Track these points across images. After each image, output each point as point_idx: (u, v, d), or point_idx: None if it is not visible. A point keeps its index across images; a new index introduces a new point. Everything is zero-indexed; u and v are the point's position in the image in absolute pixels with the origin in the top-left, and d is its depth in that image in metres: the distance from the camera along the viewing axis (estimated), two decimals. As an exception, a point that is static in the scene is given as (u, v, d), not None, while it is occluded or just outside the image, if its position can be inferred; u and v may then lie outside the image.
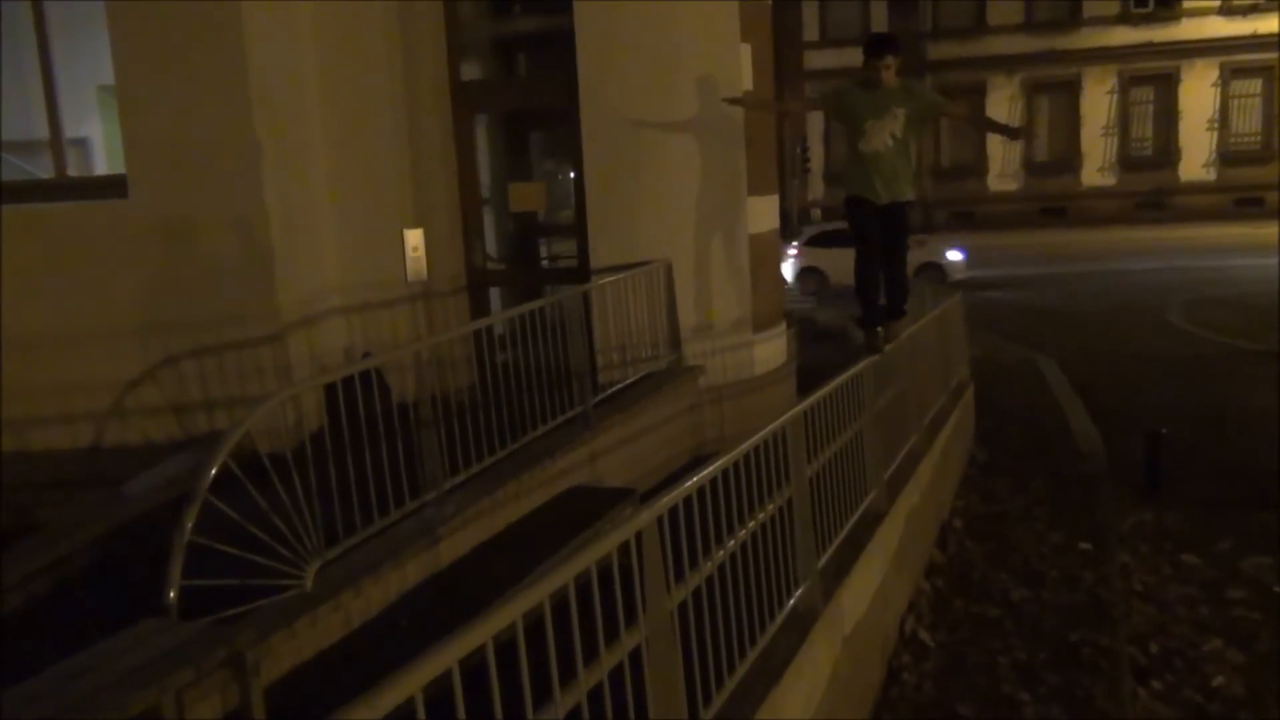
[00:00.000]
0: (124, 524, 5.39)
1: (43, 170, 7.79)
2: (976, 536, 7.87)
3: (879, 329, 6.41)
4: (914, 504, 6.74)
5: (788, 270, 22.69)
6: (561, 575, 2.65)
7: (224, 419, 6.68)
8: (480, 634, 2.29)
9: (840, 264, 21.82)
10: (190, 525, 3.81)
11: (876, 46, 6.16)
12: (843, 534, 5.19)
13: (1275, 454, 9.35)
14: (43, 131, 7.49)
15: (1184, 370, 13.20)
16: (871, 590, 5.53)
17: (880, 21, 33.22)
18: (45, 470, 6.44)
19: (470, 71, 8.57)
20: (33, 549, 5.05)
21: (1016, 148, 32.99)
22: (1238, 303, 17.50)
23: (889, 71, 6.09)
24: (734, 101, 6.97)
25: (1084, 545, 7.63)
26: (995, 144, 33.12)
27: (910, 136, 6.25)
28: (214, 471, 3.93)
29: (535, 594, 2.53)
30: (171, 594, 3.72)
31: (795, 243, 22.84)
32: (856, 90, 6.30)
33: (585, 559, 2.77)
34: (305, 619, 4.19)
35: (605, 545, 2.90)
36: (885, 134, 6.14)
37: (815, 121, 33.95)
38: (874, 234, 6.33)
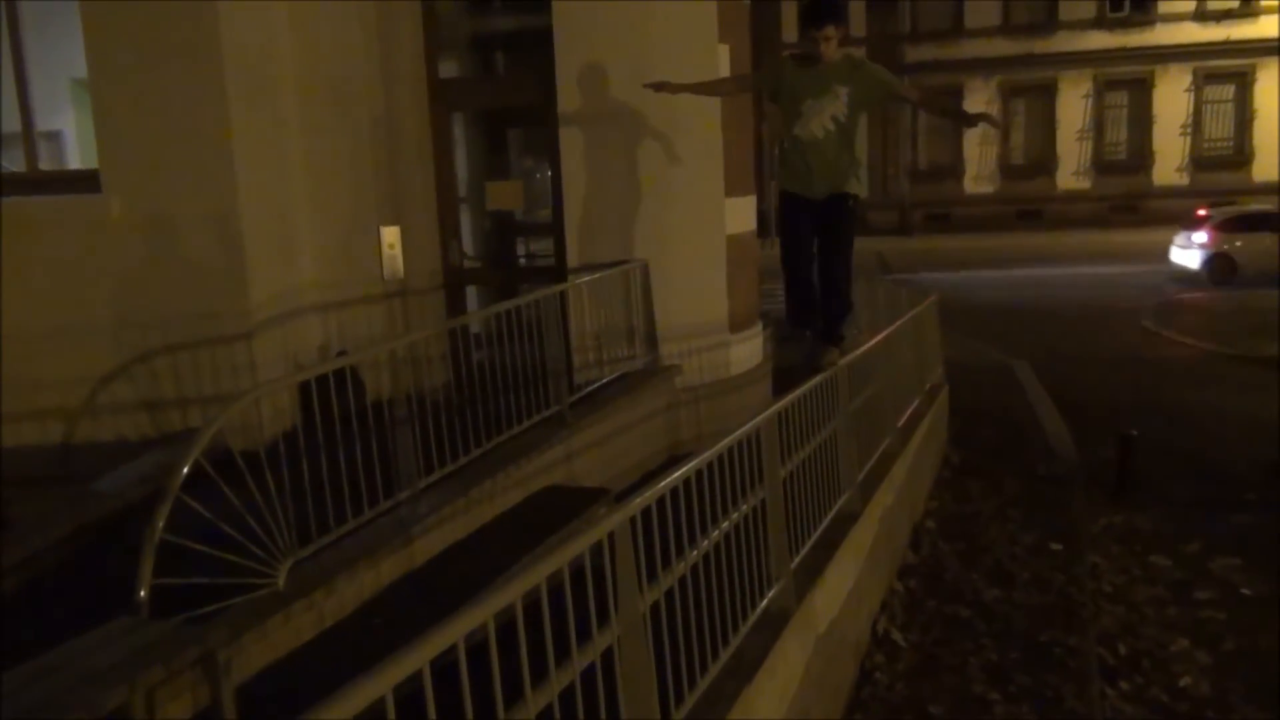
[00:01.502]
0: (95, 521, 5.36)
1: (14, 164, 7.72)
2: (949, 537, 7.93)
3: (806, 333, 5.84)
4: (888, 505, 6.78)
5: (1194, 257, 20.66)
6: (534, 575, 2.66)
7: (197, 416, 6.64)
8: (452, 634, 2.29)
9: (1256, 251, 19.89)
10: (162, 524, 3.79)
11: (815, 15, 5.30)
12: (816, 534, 5.22)
13: (1245, 457, 9.48)
14: (14, 125, 7.43)
15: (1157, 373, 13.34)
16: (844, 591, 5.56)
17: (859, 22, 33.32)
18: (16, 467, 6.38)
19: (448, 69, 8.56)
20: (3, 547, 5.01)
21: (992, 150, 33.20)
22: (1211, 307, 17.69)
23: (830, 44, 5.30)
24: (659, 86, 6.15)
25: (1055, 546, 7.69)
26: (972, 146, 33.33)
27: (856, 122, 5.46)
28: (186, 470, 3.91)
29: (507, 594, 2.53)
30: (143, 592, 3.71)
31: (1204, 227, 20.65)
32: (794, 66, 5.53)
33: (558, 559, 2.78)
34: (278, 618, 4.18)
35: (577, 545, 2.90)
36: (825, 116, 5.38)
37: (794, 122, 34.03)
38: (806, 233, 5.64)
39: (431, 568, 5.05)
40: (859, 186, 5.57)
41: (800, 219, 5.60)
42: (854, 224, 5.64)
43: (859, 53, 32.99)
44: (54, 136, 8.64)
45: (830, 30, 5.24)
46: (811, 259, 5.65)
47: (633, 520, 3.16)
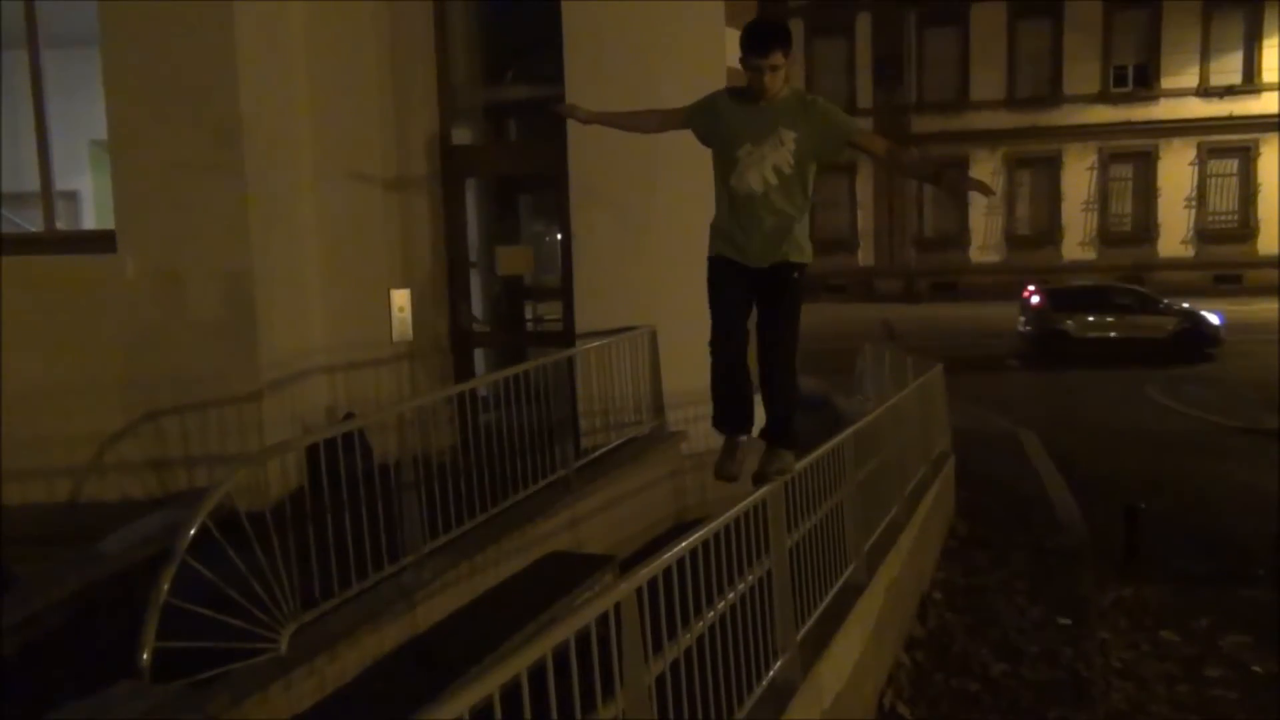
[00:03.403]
0: (99, 582, 5.34)
1: (32, 223, 7.81)
2: (956, 609, 7.85)
3: (739, 438, 4.57)
4: (894, 576, 6.73)
5: None
6: (539, 647, 2.64)
7: (203, 476, 6.64)
8: (457, 706, 2.28)
9: None
10: (167, 586, 3.78)
11: (759, 39, 4.14)
12: (822, 606, 5.18)
13: (1252, 530, 9.41)
14: (33, 184, 7.53)
15: (1163, 444, 13.29)
16: (851, 663, 5.50)
17: (866, 93, 33.79)
18: (21, 525, 6.36)
19: (461, 136, 8.69)
20: (6, 606, 4.98)
21: (998, 220, 33.41)
22: (1217, 379, 17.68)
23: (777, 76, 4.15)
24: (568, 113, 5.16)
25: (1063, 620, 7.61)
26: (978, 215, 33.55)
27: (804, 175, 4.30)
28: (192, 532, 3.91)
29: (513, 666, 2.52)
30: (145, 656, 3.69)
31: None
32: (730, 102, 4.38)
33: (564, 630, 2.76)
34: (279, 683, 4.15)
35: (584, 616, 2.89)
36: (767, 166, 4.24)
37: (801, 189, 34.29)
38: (740, 310, 4.44)
39: (435, 634, 5.02)
40: (804, 253, 4.41)
41: (733, 291, 4.44)
42: (800, 299, 4.45)
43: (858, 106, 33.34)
44: (71, 196, 8.76)
45: (778, 58, 4.12)
46: (745, 342, 4.50)
47: (639, 590, 3.15)
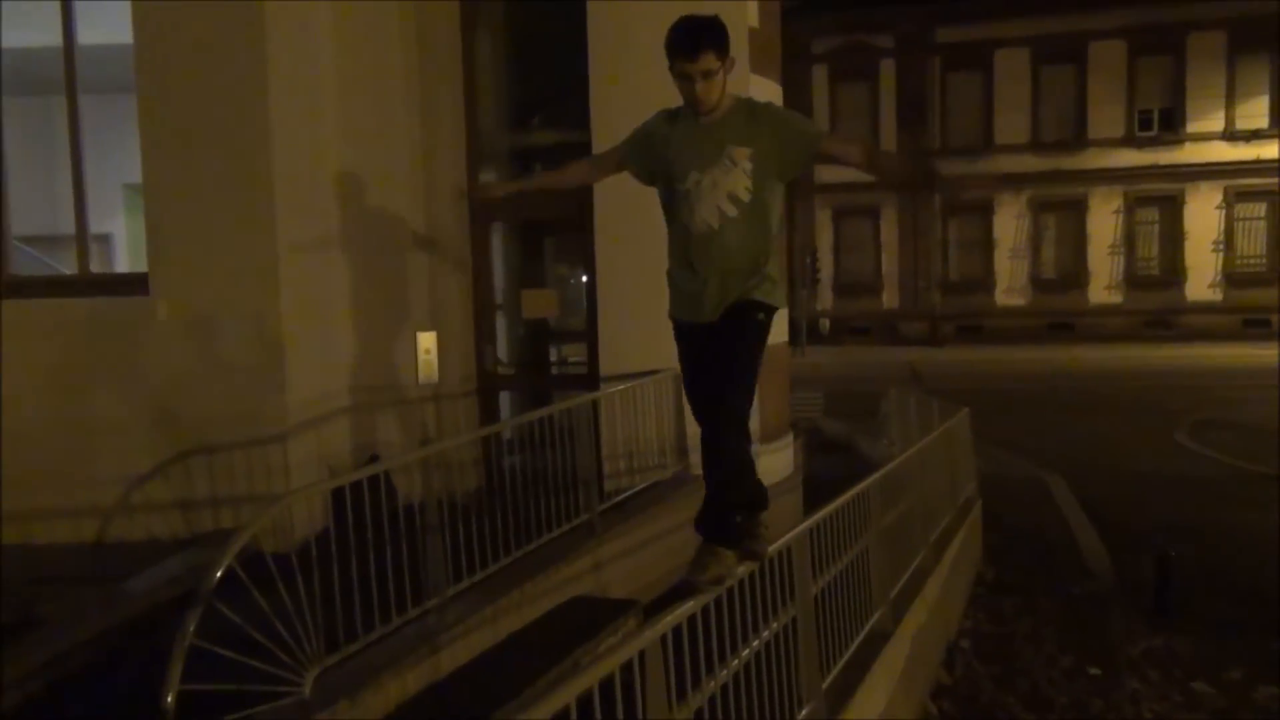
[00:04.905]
0: (124, 622, 5.36)
1: (67, 265, 7.93)
2: (984, 658, 7.75)
3: (753, 522, 3.91)
4: (921, 623, 6.66)
5: None
6: (563, 695, 2.64)
7: (230, 517, 6.68)
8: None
9: None
10: (193, 628, 3.79)
11: (686, 39, 3.44)
12: (848, 653, 5.13)
13: (1285, 580, 9.25)
14: (68, 227, 7.65)
15: (1192, 491, 13.12)
16: (877, 712, 5.43)
17: (889, 138, 33.92)
18: (47, 565, 6.41)
19: (488, 180, 8.77)
20: (31, 646, 5.01)
21: (1024, 263, 33.34)
22: (1245, 424, 17.47)
23: (711, 84, 3.49)
24: (484, 194, 4.11)
25: (1093, 670, 7.50)
26: (1003, 259, 33.54)
27: (769, 199, 3.65)
28: (219, 574, 3.93)
29: (536, 714, 2.51)
30: (169, 698, 3.69)
31: None
32: (667, 126, 3.78)
33: (588, 678, 2.76)
34: (301, 727, 4.14)
35: (608, 664, 2.88)
36: (720, 195, 3.57)
37: (825, 231, 34.48)
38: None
39: (457, 679, 5.00)
40: (774, 293, 3.71)
41: (700, 358, 3.83)
42: (757, 346, 3.72)
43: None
44: (104, 239, 8.90)
45: (710, 60, 3.43)
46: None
47: (663, 637, 3.13)
